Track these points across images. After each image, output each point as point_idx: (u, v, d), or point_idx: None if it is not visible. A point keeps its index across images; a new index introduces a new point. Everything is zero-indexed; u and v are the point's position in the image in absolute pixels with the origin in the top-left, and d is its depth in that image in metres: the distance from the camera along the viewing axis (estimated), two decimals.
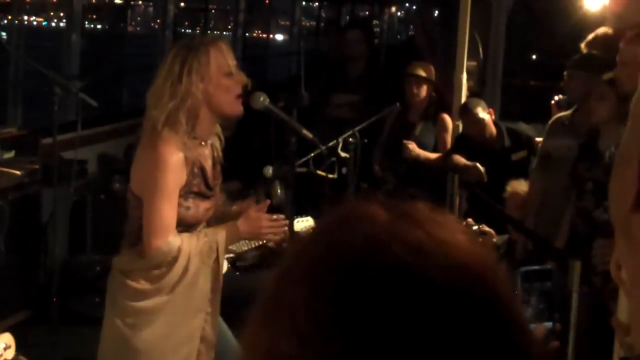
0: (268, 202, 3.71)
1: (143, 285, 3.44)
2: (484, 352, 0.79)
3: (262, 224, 3.58)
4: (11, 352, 3.52)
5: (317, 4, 13.97)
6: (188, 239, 3.40)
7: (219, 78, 3.40)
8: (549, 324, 2.59)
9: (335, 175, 5.72)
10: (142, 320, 3.44)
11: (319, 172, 5.66)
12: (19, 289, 5.85)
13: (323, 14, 14.29)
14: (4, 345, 3.49)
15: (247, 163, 6.93)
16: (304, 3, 13.29)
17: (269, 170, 4.17)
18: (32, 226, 6.11)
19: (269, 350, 0.81)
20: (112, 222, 6.72)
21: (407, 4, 15.11)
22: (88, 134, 6.70)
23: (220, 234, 3.49)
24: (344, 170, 5.22)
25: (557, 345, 2.65)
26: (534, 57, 10.80)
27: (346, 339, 0.77)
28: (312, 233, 0.88)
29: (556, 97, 5.83)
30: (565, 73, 5.32)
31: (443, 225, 0.86)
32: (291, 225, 3.76)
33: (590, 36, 5.42)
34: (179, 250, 3.37)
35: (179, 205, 3.40)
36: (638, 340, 1.55)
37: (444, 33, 7.46)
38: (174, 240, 3.36)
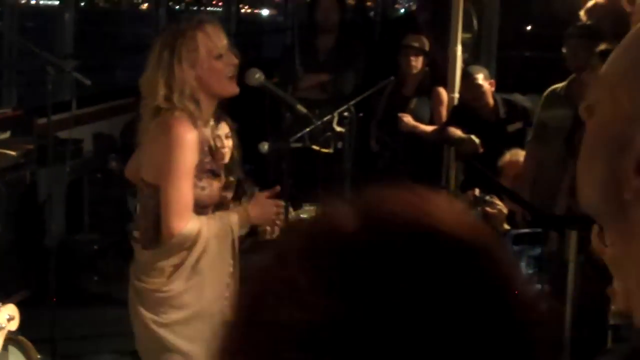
0: (278, 188, 3.68)
1: (162, 282, 3.42)
2: (484, 327, 0.79)
3: (272, 210, 3.57)
4: (15, 324, 3.46)
5: None
6: (206, 222, 3.38)
7: (210, 62, 3.36)
8: (537, 287, 2.61)
9: (330, 150, 5.74)
10: (173, 315, 3.43)
11: (314, 146, 5.69)
12: (17, 269, 5.86)
13: None
14: (7, 317, 3.44)
15: (242, 139, 6.89)
16: None
17: (265, 146, 4.17)
18: (29, 206, 6.11)
19: (268, 320, 0.81)
20: (109, 201, 6.76)
21: None
22: (83, 113, 6.68)
23: (233, 217, 3.47)
24: (339, 144, 5.22)
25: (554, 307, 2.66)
26: (528, 28, 10.78)
27: (348, 303, 0.78)
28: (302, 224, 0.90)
29: None
30: (564, 42, 5.30)
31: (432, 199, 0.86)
32: (287, 203, 3.72)
33: (590, 3, 5.38)
34: (199, 233, 3.35)
35: (195, 186, 3.36)
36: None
37: (439, 6, 7.41)
38: (194, 223, 3.34)
